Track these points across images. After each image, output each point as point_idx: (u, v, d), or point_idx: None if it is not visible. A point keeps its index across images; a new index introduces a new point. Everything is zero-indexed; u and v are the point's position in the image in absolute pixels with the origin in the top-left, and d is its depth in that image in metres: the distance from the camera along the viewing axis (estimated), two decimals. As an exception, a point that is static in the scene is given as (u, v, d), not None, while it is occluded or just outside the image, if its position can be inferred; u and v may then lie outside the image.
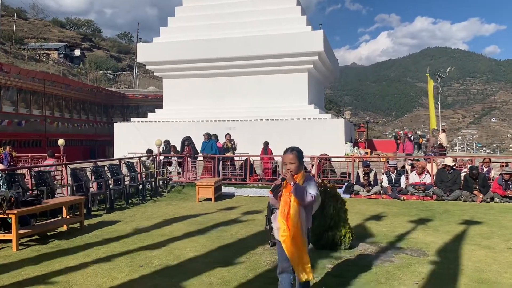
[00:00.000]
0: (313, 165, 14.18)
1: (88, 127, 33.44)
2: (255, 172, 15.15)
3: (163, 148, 15.58)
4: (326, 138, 19.52)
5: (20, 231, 6.60)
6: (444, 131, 23.43)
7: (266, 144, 16.03)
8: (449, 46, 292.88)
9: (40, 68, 45.08)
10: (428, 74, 27.94)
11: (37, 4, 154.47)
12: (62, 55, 62.00)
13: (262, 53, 21.99)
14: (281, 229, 3.73)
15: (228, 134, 16.68)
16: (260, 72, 22.90)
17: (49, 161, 12.31)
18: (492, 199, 10.89)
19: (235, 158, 15.97)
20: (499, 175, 11.33)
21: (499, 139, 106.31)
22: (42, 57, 53.73)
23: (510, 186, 10.78)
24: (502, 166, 12.30)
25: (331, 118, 21.77)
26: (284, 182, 3.76)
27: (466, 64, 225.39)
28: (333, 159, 14.85)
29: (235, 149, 16.39)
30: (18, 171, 10.34)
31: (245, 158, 15.04)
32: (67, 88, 31.00)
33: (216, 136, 16.40)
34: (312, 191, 3.70)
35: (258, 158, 15.65)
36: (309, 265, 3.73)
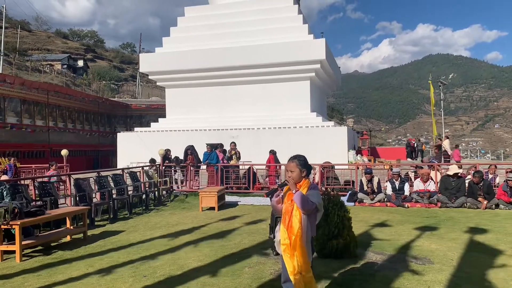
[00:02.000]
0: (315, 174, 14.13)
1: (91, 137, 33.58)
2: (258, 180, 15.11)
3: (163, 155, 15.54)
4: (329, 146, 19.51)
5: (23, 242, 6.59)
6: (447, 138, 23.35)
7: (273, 152, 15.70)
8: (451, 53, 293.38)
9: (44, 79, 45.39)
10: (430, 81, 27.98)
11: (41, 16, 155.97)
12: (65, 66, 62.42)
13: (264, 62, 22.08)
14: (282, 238, 3.72)
15: (233, 142, 16.65)
16: (263, 80, 22.97)
17: (51, 171, 12.43)
18: (497, 206, 10.81)
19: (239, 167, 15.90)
20: (504, 181, 11.25)
21: (503, 145, 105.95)
22: (45, 68, 54.09)
23: (515, 192, 10.70)
24: (507, 172, 12.22)
25: (334, 126, 21.77)
26: (285, 188, 3.78)
27: (469, 71, 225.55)
28: (336, 167, 14.79)
29: (239, 157, 16.35)
30: (22, 181, 10.36)
31: (248, 166, 15.00)
32: (71, 99, 31.19)
33: (222, 145, 16.39)
34: (313, 199, 3.69)
35: (261, 167, 15.59)
36: (310, 275, 3.70)
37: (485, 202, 10.75)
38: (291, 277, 3.66)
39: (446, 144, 20.48)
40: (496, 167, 13.71)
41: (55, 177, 12.44)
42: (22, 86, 26.10)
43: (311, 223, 3.76)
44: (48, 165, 14.51)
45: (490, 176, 12.97)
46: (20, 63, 51.71)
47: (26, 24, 77.48)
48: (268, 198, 4.11)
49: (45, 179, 11.14)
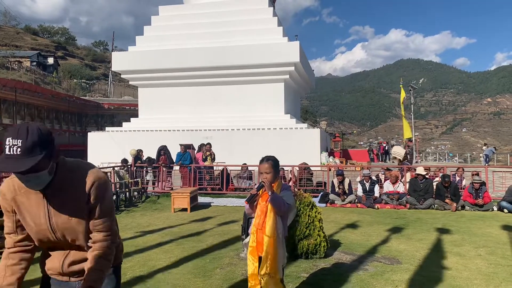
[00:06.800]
0: (292, 177, 14.23)
1: (61, 137, 32.78)
2: (231, 181, 15.09)
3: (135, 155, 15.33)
4: (302, 147, 19.67)
5: (-13, 244, 6.37)
6: (397, 145, 23.40)
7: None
8: (421, 58, 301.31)
9: (12, 76, 44.03)
10: (401, 85, 28.57)
11: (9, 11, 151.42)
12: (34, 63, 60.64)
13: (238, 63, 22.08)
14: (251, 240, 3.73)
15: (208, 143, 16.55)
16: (237, 82, 22.98)
17: None
18: (463, 207, 11.14)
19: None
20: (470, 184, 11.61)
21: (470, 149, 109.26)
22: (13, 65, 52.48)
23: (480, 194, 11.07)
24: (473, 175, 12.61)
25: (308, 128, 21.96)
26: (260, 192, 3.76)
27: (438, 76, 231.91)
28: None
29: (213, 159, 16.29)
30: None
31: (222, 168, 14.96)
32: (40, 97, 30.38)
33: (192, 146, 16.30)
34: (288, 200, 3.72)
35: (234, 168, 15.58)
36: (278, 277, 3.67)
37: (454, 204, 11.04)
38: (251, 279, 3.67)
39: (398, 150, 19.68)
40: (463, 170, 14.12)
41: None
42: (-12, 83, 25.30)
43: (283, 224, 3.79)
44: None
45: (457, 178, 13.34)
46: (-14, 59, 50.05)
47: (-6, 19, 75.08)
48: (242, 200, 4.11)
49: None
